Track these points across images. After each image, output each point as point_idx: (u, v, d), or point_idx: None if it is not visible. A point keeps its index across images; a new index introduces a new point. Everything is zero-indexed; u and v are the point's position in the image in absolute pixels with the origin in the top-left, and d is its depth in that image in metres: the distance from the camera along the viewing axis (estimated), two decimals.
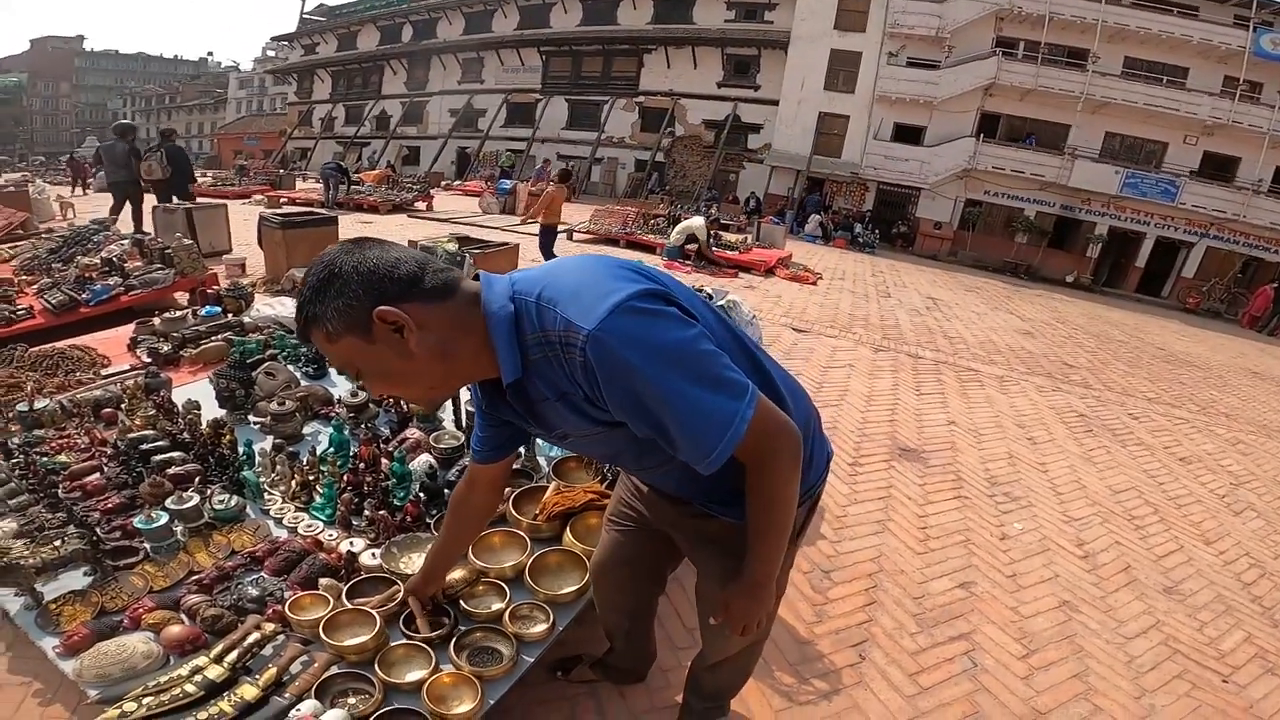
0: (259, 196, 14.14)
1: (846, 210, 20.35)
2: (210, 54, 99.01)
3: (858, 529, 2.98)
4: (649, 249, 10.70)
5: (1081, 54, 18.47)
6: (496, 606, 1.62)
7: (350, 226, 10.23)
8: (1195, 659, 2.42)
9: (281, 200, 13.31)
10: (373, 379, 0.88)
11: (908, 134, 19.95)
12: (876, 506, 3.21)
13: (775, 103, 21.58)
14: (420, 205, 14.33)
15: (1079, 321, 11.06)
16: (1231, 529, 3.60)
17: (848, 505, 3.18)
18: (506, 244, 5.04)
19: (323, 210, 9.75)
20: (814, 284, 9.97)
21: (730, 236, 11.90)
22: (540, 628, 1.60)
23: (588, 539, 1.88)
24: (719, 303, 3.08)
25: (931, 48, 19.39)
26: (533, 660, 1.55)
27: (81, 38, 70.20)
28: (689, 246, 9.74)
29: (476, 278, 0.94)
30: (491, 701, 1.42)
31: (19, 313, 3.81)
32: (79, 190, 14.81)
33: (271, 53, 47.72)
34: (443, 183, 22.04)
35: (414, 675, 1.41)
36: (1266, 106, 17.36)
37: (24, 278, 4.69)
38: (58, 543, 1.66)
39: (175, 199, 7.74)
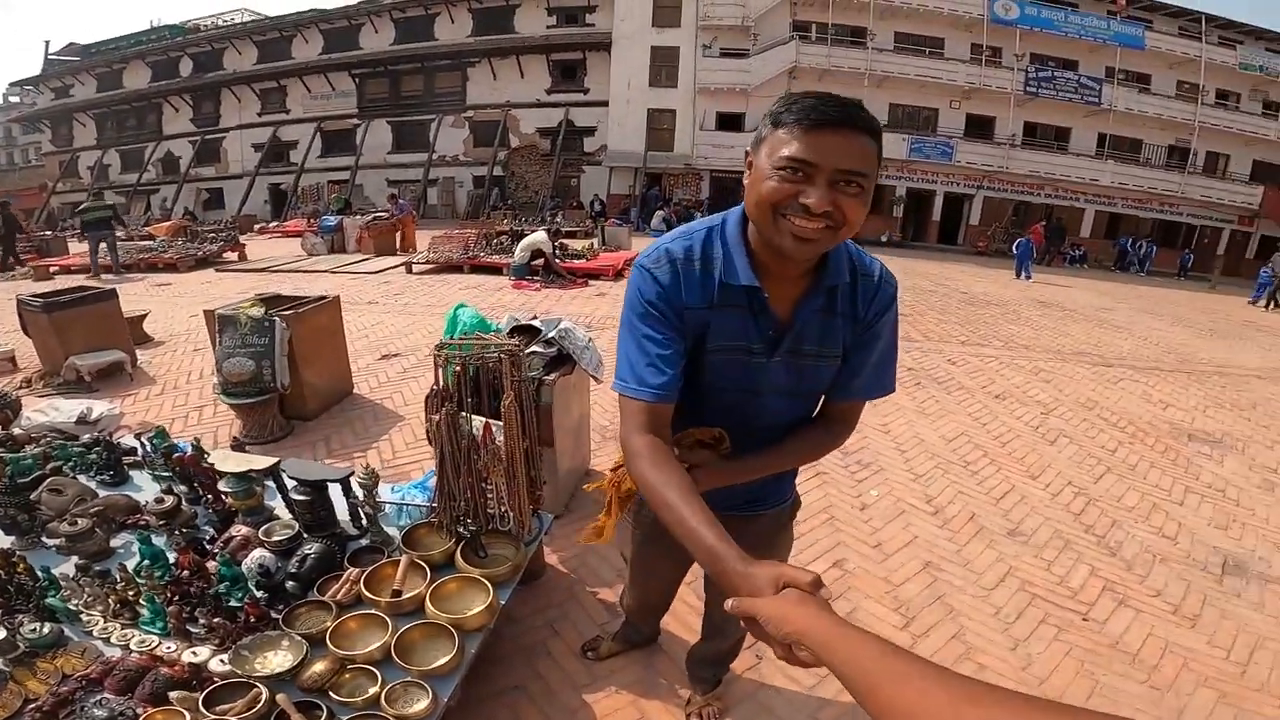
0: (24, 269, 11.85)
1: (686, 201, 21.15)
2: None
3: None
4: (495, 270, 10.18)
5: (862, 32, 20.62)
6: (372, 691, 1.55)
7: (143, 295, 8.73)
8: (1053, 601, 2.58)
9: (52, 270, 11.28)
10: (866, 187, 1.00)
11: (731, 121, 21.10)
12: None
13: (605, 104, 21.89)
14: (230, 255, 12.76)
15: (895, 277, 12.27)
16: (1051, 459, 3.99)
17: None
18: (325, 298, 4.43)
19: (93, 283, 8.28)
20: None
21: (576, 244, 11.74)
22: (422, 704, 1.54)
23: (448, 605, 1.83)
24: (550, 333, 2.96)
25: (740, 37, 20.66)
26: None
27: None
28: (535, 263, 9.54)
29: None
30: None
31: None
32: None
33: (14, 98, 40.75)
34: (256, 226, 19.84)
35: None
36: (1007, 69, 20.43)
37: None
38: None
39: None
